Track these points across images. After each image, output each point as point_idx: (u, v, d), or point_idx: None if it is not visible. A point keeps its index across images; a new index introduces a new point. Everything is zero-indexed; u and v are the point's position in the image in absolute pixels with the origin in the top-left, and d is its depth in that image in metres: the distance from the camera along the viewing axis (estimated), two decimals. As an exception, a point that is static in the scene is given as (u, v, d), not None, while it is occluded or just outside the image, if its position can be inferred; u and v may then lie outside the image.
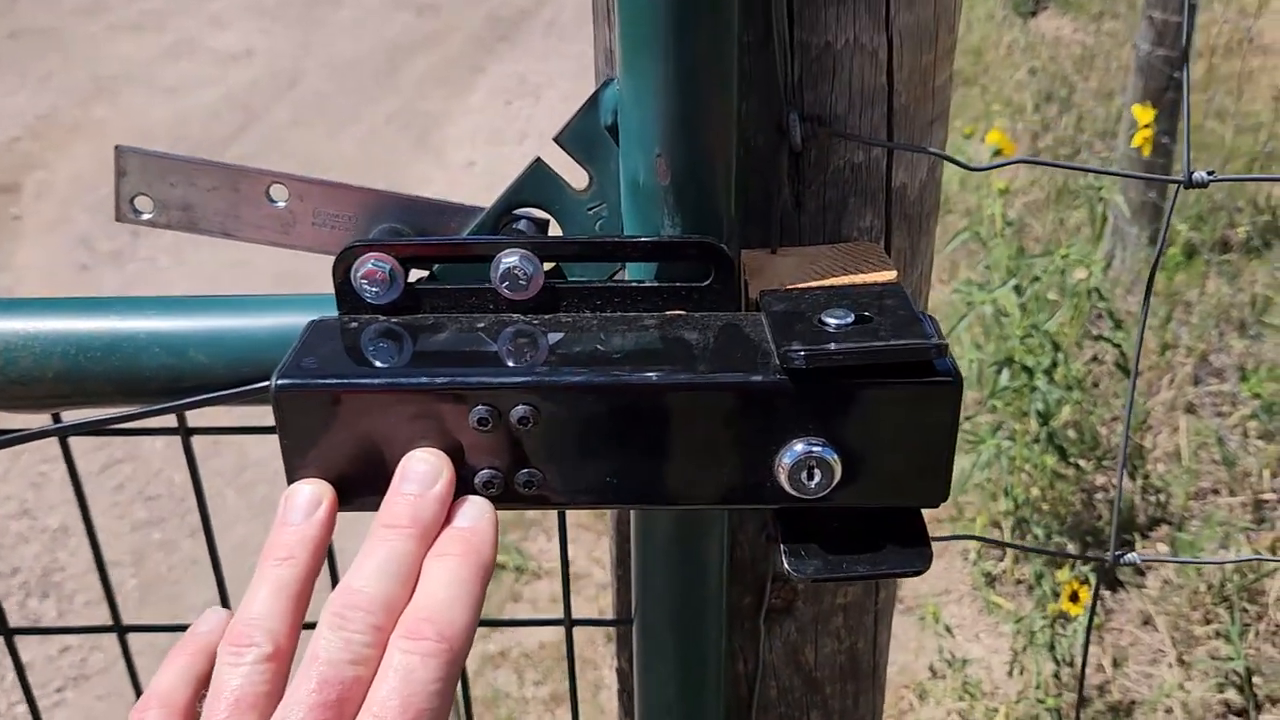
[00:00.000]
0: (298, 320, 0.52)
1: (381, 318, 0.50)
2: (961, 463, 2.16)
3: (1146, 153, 2.47)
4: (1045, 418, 2.01)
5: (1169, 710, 1.95)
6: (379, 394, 0.45)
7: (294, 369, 0.46)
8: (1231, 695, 1.96)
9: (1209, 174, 0.55)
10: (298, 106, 5.19)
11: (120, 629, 0.68)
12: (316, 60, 5.67)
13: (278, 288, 3.77)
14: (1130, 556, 0.68)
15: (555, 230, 0.54)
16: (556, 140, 0.51)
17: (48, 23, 6.13)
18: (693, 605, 0.60)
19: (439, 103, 5.25)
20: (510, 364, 0.46)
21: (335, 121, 5.03)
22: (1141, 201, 3.05)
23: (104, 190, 5.04)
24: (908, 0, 0.53)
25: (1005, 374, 1.95)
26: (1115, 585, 2.20)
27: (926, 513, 0.51)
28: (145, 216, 0.52)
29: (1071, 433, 2.33)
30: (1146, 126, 2.23)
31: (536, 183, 0.52)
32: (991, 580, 2.25)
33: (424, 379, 0.45)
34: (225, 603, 0.68)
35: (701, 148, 0.48)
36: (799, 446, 0.46)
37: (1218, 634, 2.07)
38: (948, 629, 1.92)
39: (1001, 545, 0.69)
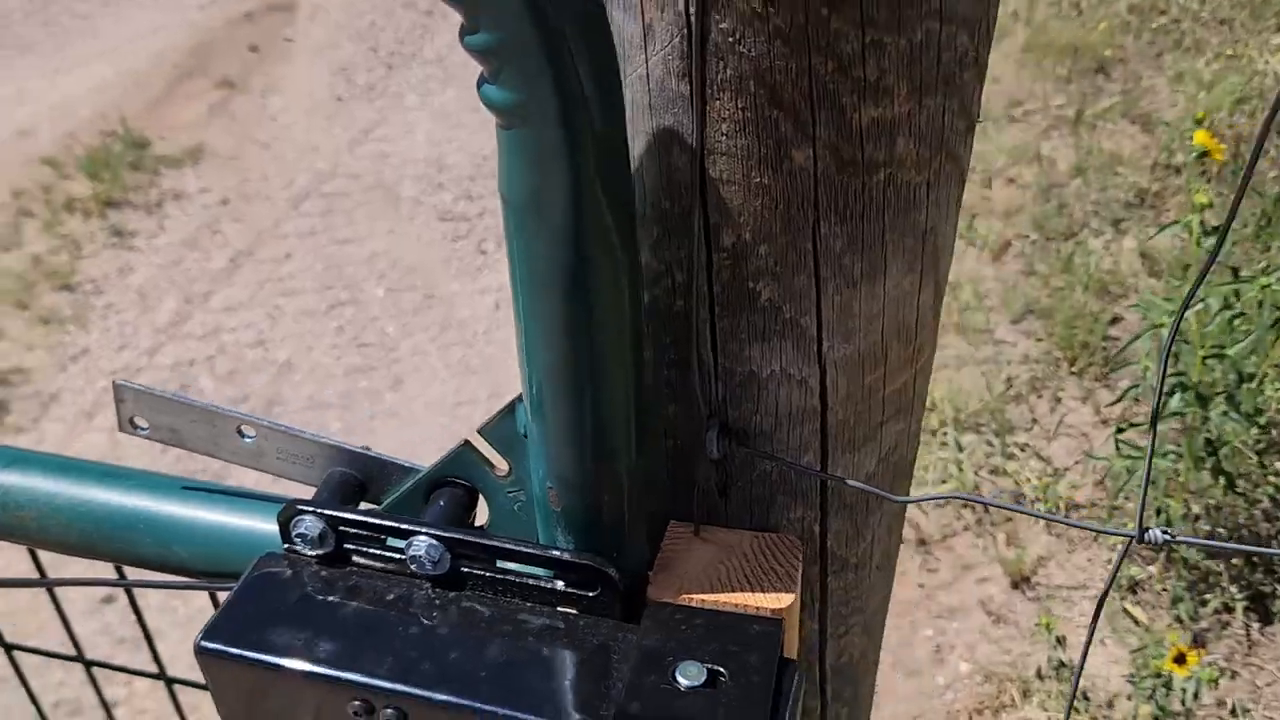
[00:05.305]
0: (264, 525, 0.60)
1: (315, 563, 0.56)
2: (1120, 465, 2.06)
3: None
4: (1214, 446, 1.87)
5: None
6: (277, 673, 0.52)
7: (218, 630, 0.54)
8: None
9: None
10: None
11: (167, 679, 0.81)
12: None
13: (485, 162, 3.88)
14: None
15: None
16: (480, 433, 0.55)
17: None
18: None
19: None
20: (391, 660, 0.52)
21: None
22: None
23: (370, 17, 5.30)
24: (843, 335, 0.52)
25: (1177, 398, 1.82)
26: (1269, 618, 2.08)
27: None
28: (143, 432, 0.60)
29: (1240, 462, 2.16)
30: None
31: (463, 463, 0.56)
32: (1134, 586, 2.17)
33: (316, 668, 0.52)
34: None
35: (591, 493, 0.50)
36: None
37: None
38: (1059, 640, 1.89)
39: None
